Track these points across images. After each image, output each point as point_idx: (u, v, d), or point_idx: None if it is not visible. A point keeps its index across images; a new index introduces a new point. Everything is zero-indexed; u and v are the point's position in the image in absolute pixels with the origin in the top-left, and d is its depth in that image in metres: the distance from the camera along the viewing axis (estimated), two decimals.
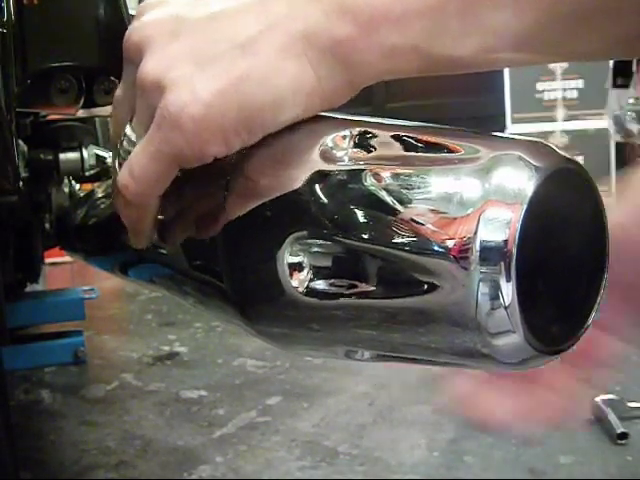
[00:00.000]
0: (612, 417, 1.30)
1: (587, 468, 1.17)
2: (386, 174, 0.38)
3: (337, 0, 0.35)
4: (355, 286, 0.38)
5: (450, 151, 0.37)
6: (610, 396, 1.37)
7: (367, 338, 0.41)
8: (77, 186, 1.68)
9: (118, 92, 0.38)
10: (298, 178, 0.42)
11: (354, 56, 0.36)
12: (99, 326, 2.43)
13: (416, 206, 0.36)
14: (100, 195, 1.23)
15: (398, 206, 0.36)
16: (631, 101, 2.71)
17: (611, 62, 2.98)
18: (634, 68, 2.76)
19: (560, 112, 3.19)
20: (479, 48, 0.36)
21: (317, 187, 0.40)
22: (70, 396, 1.68)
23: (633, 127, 2.73)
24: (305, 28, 0.36)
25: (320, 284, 0.39)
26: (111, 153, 0.65)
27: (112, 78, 0.50)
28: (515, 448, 1.24)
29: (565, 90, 3.18)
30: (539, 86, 3.21)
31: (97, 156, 1.11)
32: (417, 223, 0.35)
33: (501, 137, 0.39)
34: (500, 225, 0.33)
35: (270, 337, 0.47)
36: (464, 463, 1.20)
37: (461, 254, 0.33)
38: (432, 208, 0.35)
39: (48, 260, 2.56)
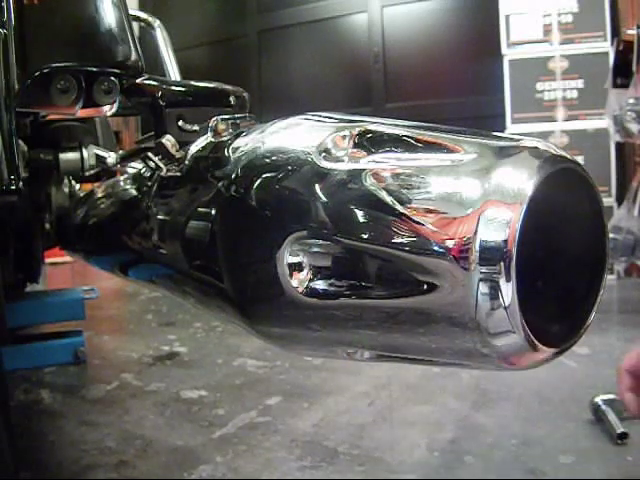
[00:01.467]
0: (612, 417, 1.30)
1: (587, 468, 1.17)
2: (386, 174, 0.38)
3: None
4: (355, 286, 0.38)
5: (450, 151, 0.37)
6: (610, 396, 1.37)
7: (367, 338, 0.41)
8: (77, 186, 1.68)
9: None
10: (298, 178, 0.42)
11: None
12: (99, 326, 2.43)
13: (416, 206, 0.36)
14: (100, 195, 1.24)
15: (398, 206, 0.36)
16: (631, 101, 2.71)
17: (611, 62, 2.98)
18: (634, 68, 2.76)
19: (560, 112, 3.19)
20: None
21: (317, 187, 0.40)
22: (70, 396, 1.68)
23: (633, 127, 2.73)
24: None
25: (320, 284, 0.39)
26: (111, 153, 0.64)
27: (112, 78, 0.50)
28: (515, 448, 1.24)
29: (565, 90, 3.18)
30: (539, 86, 3.21)
31: (97, 156, 1.11)
32: (417, 223, 0.35)
33: (501, 137, 0.39)
34: (500, 225, 0.33)
35: (270, 337, 0.47)
36: (464, 463, 1.20)
37: (461, 254, 0.33)
38: (432, 208, 0.35)
39: (48, 260, 2.56)
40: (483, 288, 0.33)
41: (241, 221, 0.45)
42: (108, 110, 0.55)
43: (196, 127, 0.66)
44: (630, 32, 2.86)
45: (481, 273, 0.33)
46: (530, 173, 0.35)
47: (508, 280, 0.33)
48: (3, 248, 1.59)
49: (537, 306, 0.36)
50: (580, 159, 2.84)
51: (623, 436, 1.26)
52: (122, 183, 1.03)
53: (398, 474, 1.20)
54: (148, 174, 0.77)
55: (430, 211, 0.36)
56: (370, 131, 0.42)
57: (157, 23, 1.66)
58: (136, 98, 0.58)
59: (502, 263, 0.33)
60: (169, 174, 0.62)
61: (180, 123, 0.76)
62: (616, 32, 3.06)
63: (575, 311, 0.38)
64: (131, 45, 0.51)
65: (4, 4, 0.45)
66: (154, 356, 2.03)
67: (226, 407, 1.56)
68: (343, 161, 0.41)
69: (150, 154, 0.54)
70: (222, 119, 0.54)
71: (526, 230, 0.34)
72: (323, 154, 0.41)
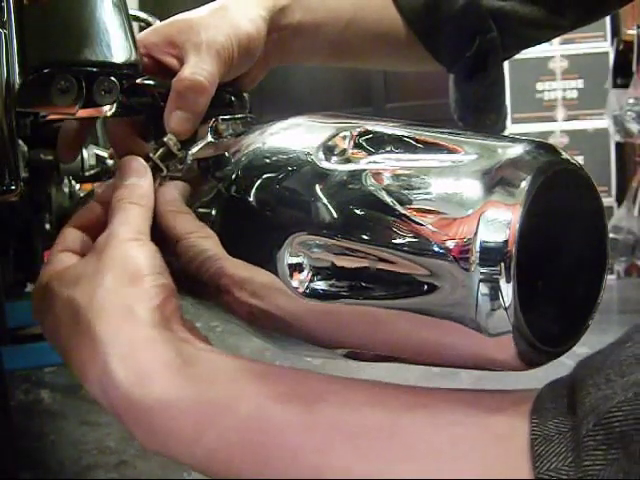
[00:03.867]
0: None
1: None
2: (386, 174, 0.38)
3: None
4: (355, 287, 0.38)
5: (450, 151, 0.37)
6: None
7: (367, 338, 0.41)
8: (77, 186, 1.68)
9: None
10: (298, 178, 0.42)
11: None
12: None
13: (416, 207, 0.36)
14: None
15: (398, 207, 0.36)
16: (631, 101, 2.71)
17: (611, 62, 2.98)
18: (634, 68, 2.76)
19: (560, 112, 3.20)
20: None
21: (317, 188, 0.40)
22: (70, 396, 1.68)
23: (633, 127, 2.73)
24: None
25: (320, 284, 0.39)
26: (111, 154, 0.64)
27: (112, 78, 0.50)
28: None
29: (565, 90, 3.19)
30: (539, 86, 3.21)
31: (97, 156, 1.11)
32: (417, 224, 0.35)
33: (501, 137, 0.39)
34: (500, 226, 0.33)
35: (270, 337, 0.47)
36: None
37: (461, 255, 0.33)
38: (432, 209, 0.35)
39: None
40: (483, 289, 0.33)
41: (241, 221, 0.45)
42: (108, 110, 0.55)
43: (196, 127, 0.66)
44: (630, 32, 2.86)
45: (481, 274, 0.33)
46: (531, 174, 0.35)
47: (508, 281, 0.33)
48: (3, 248, 1.59)
49: (537, 306, 0.36)
50: (580, 159, 2.84)
51: None
52: None
53: None
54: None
55: (430, 212, 0.36)
56: (370, 131, 0.42)
57: (157, 23, 1.66)
58: (136, 98, 0.58)
59: (502, 264, 0.33)
60: (170, 174, 0.62)
61: None
62: (616, 32, 3.06)
63: (575, 311, 0.38)
64: (131, 45, 0.51)
65: (4, 4, 0.45)
66: None
67: None
68: (343, 162, 0.40)
69: (151, 154, 0.54)
70: (222, 119, 0.54)
71: (526, 231, 0.34)
72: (323, 155, 0.41)
